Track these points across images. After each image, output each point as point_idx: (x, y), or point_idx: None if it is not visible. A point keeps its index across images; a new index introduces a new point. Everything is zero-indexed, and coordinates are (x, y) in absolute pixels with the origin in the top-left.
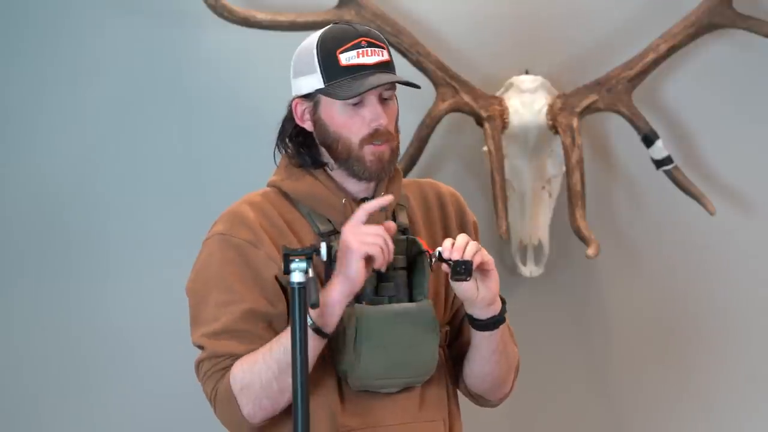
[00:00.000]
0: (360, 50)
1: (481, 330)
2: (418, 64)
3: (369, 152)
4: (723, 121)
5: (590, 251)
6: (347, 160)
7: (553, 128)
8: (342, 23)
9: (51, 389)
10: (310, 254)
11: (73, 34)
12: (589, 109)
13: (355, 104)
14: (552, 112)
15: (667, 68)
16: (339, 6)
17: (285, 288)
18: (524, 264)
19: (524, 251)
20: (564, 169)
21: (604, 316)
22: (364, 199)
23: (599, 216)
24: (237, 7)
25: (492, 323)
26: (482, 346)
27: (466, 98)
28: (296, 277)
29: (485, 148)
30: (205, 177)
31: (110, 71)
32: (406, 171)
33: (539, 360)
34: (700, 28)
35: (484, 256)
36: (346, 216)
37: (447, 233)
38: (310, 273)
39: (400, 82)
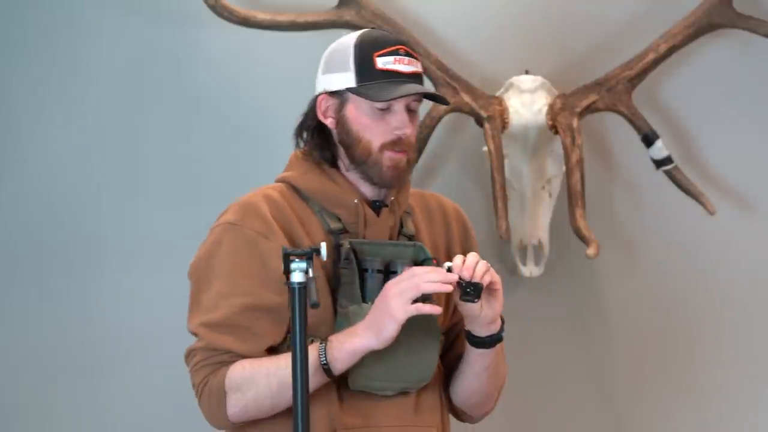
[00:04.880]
0: (397, 57)
1: (477, 347)
2: None
3: (387, 158)
4: (723, 121)
5: (590, 251)
6: (364, 163)
7: (553, 128)
8: (381, 29)
9: (50, 388)
10: (310, 254)
11: (73, 34)
12: (589, 109)
13: (382, 109)
14: (552, 112)
15: (667, 68)
16: (339, 6)
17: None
18: (524, 264)
19: (524, 251)
20: (564, 169)
21: (604, 316)
22: (375, 202)
23: (599, 216)
24: (237, 7)
25: (489, 341)
26: (475, 363)
27: (466, 98)
28: (296, 277)
29: (485, 148)
30: (205, 177)
31: (110, 71)
32: None
33: (539, 360)
34: (700, 28)
35: (494, 276)
36: (357, 216)
37: (449, 246)
38: (311, 273)
39: (433, 95)
